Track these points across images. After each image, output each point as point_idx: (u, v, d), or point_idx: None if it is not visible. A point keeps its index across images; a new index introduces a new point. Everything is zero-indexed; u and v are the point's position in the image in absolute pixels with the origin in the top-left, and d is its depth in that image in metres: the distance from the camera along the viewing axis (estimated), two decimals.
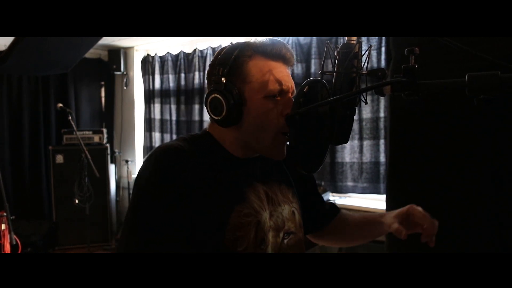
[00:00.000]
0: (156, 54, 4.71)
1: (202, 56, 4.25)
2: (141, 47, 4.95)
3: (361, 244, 1.20)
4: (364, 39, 3.00)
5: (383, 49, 3.01)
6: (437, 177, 1.10)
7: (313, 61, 3.38)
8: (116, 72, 5.02)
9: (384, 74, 0.78)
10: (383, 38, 2.96)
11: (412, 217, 0.94)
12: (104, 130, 4.69)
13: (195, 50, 4.29)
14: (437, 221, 0.92)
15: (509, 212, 1.00)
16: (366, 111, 3.13)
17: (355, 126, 3.14)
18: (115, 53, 4.95)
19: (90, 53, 4.74)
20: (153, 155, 0.91)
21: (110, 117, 5.27)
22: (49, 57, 1.62)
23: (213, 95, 0.92)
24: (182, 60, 4.43)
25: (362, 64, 0.83)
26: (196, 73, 4.30)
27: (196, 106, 4.34)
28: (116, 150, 5.08)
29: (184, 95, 4.44)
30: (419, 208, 0.95)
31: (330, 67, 0.85)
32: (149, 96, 4.82)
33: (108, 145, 4.64)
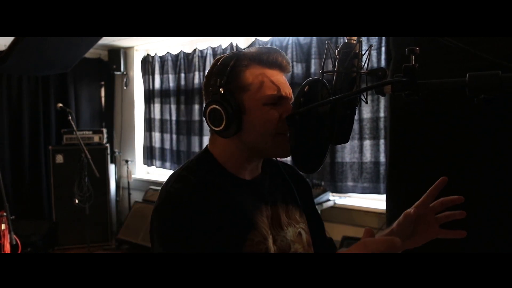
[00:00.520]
0: (156, 54, 4.71)
1: (202, 56, 4.25)
2: (141, 47, 4.95)
3: None
4: (364, 39, 3.00)
5: (383, 49, 3.01)
6: (437, 177, 1.10)
7: (313, 61, 3.38)
8: (116, 72, 5.02)
9: (384, 73, 0.78)
10: (383, 38, 2.96)
11: (410, 221, 0.95)
12: (104, 130, 4.69)
13: (195, 50, 4.29)
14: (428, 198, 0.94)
15: (509, 212, 1.00)
16: (366, 111, 3.14)
17: (355, 126, 3.14)
18: (115, 53, 4.95)
19: (90, 53, 4.74)
20: (167, 205, 0.89)
21: (110, 117, 5.27)
22: (49, 57, 1.62)
23: (211, 106, 0.91)
24: (182, 60, 4.44)
25: (363, 63, 0.83)
26: (196, 73, 4.31)
27: (196, 106, 4.34)
28: (116, 150, 5.08)
29: (184, 95, 4.44)
30: (410, 211, 0.95)
31: (330, 67, 0.85)
32: (149, 96, 4.83)
33: (108, 145, 4.65)
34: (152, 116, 4.82)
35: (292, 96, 0.96)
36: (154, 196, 4.43)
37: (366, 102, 0.86)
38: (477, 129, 1.01)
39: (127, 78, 5.10)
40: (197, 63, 4.28)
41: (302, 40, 3.45)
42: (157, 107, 4.76)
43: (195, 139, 4.37)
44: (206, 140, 4.25)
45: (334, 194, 3.35)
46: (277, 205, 1.01)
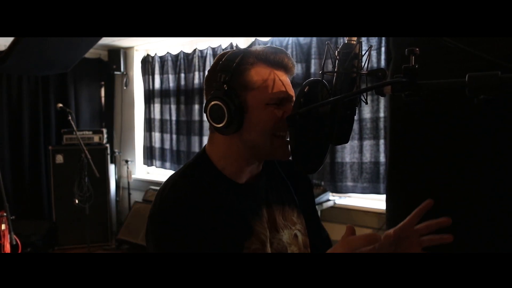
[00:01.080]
0: (156, 54, 4.71)
1: (202, 56, 4.25)
2: (141, 47, 4.95)
3: None
4: (364, 39, 3.00)
5: (383, 49, 3.01)
6: (437, 177, 1.10)
7: (313, 61, 3.38)
8: (116, 72, 5.02)
9: (384, 74, 0.78)
10: (383, 38, 2.96)
11: (389, 242, 0.92)
12: (104, 130, 4.69)
13: (195, 50, 4.29)
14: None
15: (509, 212, 1.00)
16: (366, 111, 3.14)
17: (355, 126, 3.14)
18: (115, 53, 4.95)
19: (90, 53, 4.74)
20: (162, 212, 0.88)
21: (110, 117, 5.27)
22: (49, 57, 1.62)
23: (213, 102, 0.90)
24: (182, 60, 4.44)
25: (363, 64, 0.83)
26: (196, 73, 4.31)
27: (196, 106, 4.34)
28: (116, 150, 5.09)
29: (184, 95, 4.44)
30: (390, 232, 0.92)
31: (330, 67, 0.85)
32: (149, 96, 4.83)
33: (108, 145, 4.65)
34: (152, 116, 4.82)
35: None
36: (154, 196, 4.41)
37: (366, 103, 0.86)
38: (477, 129, 1.01)
39: (127, 78, 5.10)
40: (197, 63, 4.28)
41: (302, 40, 3.45)
42: (157, 107, 4.76)
43: (195, 139, 4.37)
44: (206, 140, 4.23)
45: (334, 194, 3.35)
46: (273, 207, 1.00)
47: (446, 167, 1.09)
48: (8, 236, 2.65)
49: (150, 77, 4.79)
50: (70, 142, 4.41)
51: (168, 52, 4.57)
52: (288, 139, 0.89)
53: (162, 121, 4.73)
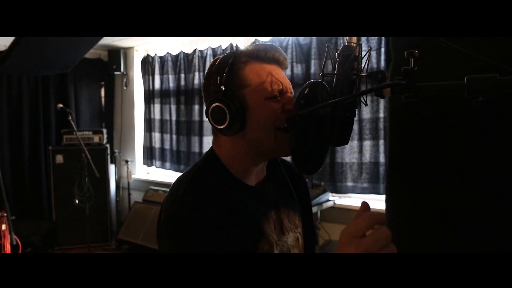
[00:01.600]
0: (156, 54, 4.71)
1: (202, 56, 4.25)
2: (141, 47, 4.96)
3: None
4: (363, 39, 3.00)
5: (382, 50, 3.02)
6: (437, 178, 1.10)
7: (312, 62, 3.39)
8: (116, 72, 5.03)
9: (384, 76, 0.78)
10: (383, 39, 2.97)
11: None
12: (104, 130, 4.69)
13: (195, 50, 4.30)
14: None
15: (509, 212, 1.00)
16: (365, 112, 3.14)
17: (355, 126, 3.14)
18: (115, 53, 4.96)
19: (90, 53, 4.75)
20: (180, 215, 0.87)
21: (110, 117, 5.27)
22: (49, 57, 1.62)
23: (214, 105, 0.90)
24: (182, 61, 4.44)
25: (362, 66, 0.83)
26: (196, 74, 4.31)
27: (196, 107, 4.34)
28: (116, 150, 5.09)
29: (184, 95, 4.45)
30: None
31: (330, 69, 0.85)
32: (149, 96, 4.83)
33: (108, 145, 4.65)
34: (152, 117, 4.82)
35: (292, 90, 0.96)
36: (154, 196, 4.43)
37: (366, 104, 0.86)
38: (476, 129, 1.01)
39: (127, 78, 5.11)
40: (197, 63, 4.29)
41: (302, 40, 3.45)
42: (157, 107, 4.76)
43: (195, 140, 4.37)
44: (206, 140, 4.25)
45: (333, 194, 3.36)
46: (280, 210, 1.02)
47: (446, 168, 1.09)
48: (9, 236, 2.65)
49: (150, 77, 4.79)
50: (70, 142, 4.41)
51: (168, 52, 4.58)
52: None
53: (162, 121, 4.73)
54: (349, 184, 3.27)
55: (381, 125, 3.08)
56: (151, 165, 4.89)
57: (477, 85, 0.63)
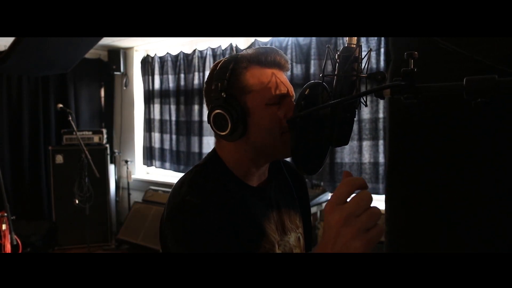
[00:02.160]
0: (155, 54, 4.71)
1: (202, 56, 4.25)
2: (141, 47, 4.96)
3: None
4: (363, 39, 3.00)
5: (382, 50, 3.02)
6: (437, 178, 1.10)
7: (312, 62, 3.39)
8: (115, 73, 5.02)
9: (383, 77, 0.78)
10: (382, 39, 2.97)
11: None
12: (104, 130, 4.69)
13: (194, 50, 4.29)
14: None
15: (509, 212, 1.00)
16: (365, 112, 3.14)
17: (355, 127, 3.14)
18: (115, 53, 4.96)
19: (90, 53, 4.75)
20: (183, 213, 0.87)
21: (109, 117, 5.27)
22: (49, 57, 1.62)
23: (215, 111, 0.90)
24: (181, 61, 4.44)
25: (362, 67, 0.83)
26: (196, 74, 4.31)
27: (196, 107, 4.34)
28: (115, 150, 5.09)
29: (184, 96, 4.45)
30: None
31: (330, 70, 0.85)
32: (149, 97, 4.83)
33: (107, 145, 4.65)
34: (152, 117, 4.82)
35: (294, 94, 0.96)
36: (153, 196, 4.43)
37: (366, 105, 0.86)
38: (476, 130, 1.01)
39: (126, 79, 5.11)
40: (196, 63, 4.29)
41: (302, 40, 3.45)
42: (156, 107, 4.76)
43: (194, 140, 4.37)
44: (205, 141, 4.25)
45: None
46: (282, 211, 1.02)
47: (446, 168, 1.09)
48: (9, 236, 2.65)
49: (150, 77, 4.79)
50: (70, 142, 4.41)
51: (168, 53, 4.58)
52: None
53: (161, 121, 4.73)
54: None
55: (381, 125, 3.08)
56: (151, 165, 4.89)
57: (476, 86, 0.63)
